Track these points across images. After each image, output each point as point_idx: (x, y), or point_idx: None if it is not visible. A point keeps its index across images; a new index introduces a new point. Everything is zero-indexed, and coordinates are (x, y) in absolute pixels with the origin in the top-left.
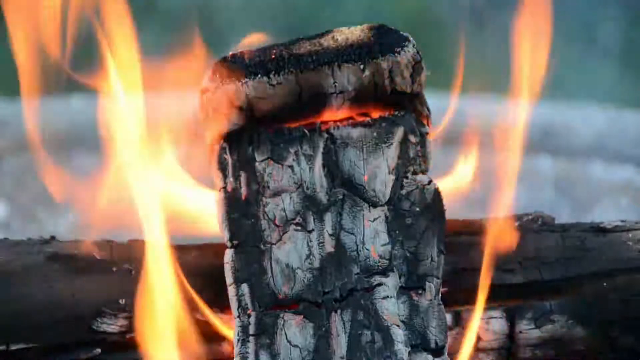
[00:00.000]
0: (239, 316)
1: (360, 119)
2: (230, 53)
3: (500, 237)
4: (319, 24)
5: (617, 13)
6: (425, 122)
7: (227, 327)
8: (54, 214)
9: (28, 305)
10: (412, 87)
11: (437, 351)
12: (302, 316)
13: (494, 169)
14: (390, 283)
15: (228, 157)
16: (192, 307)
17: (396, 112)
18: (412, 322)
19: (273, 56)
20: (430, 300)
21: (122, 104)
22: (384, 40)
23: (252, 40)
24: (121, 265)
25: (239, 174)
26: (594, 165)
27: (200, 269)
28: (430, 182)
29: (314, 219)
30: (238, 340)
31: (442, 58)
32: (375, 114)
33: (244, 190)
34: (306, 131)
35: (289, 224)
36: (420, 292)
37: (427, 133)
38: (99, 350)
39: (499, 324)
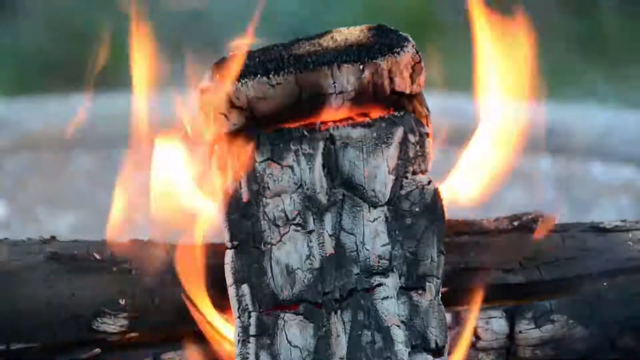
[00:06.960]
0: (239, 317)
1: (360, 119)
2: (230, 53)
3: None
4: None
5: (617, 12)
6: (424, 122)
7: (228, 327)
8: (54, 214)
9: (28, 305)
10: (411, 87)
11: (438, 351)
12: (302, 317)
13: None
14: (390, 283)
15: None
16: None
17: (396, 112)
18: (412, 322)
19: (273, 56)
20: (430, 300)
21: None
22: (383, 40)
23: (251, 41)
24: (121, 265)
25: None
26: (594, 165)
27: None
28: (430, 182)
29: (313, 220)
30: (238, 340)
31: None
32: (375, 114)
33: (244, 191)
34: (306, 131)
35: (289, 224)
36: (420, 292)
37: (426, 133)
38: (99, 350)
39: (499, 324)
